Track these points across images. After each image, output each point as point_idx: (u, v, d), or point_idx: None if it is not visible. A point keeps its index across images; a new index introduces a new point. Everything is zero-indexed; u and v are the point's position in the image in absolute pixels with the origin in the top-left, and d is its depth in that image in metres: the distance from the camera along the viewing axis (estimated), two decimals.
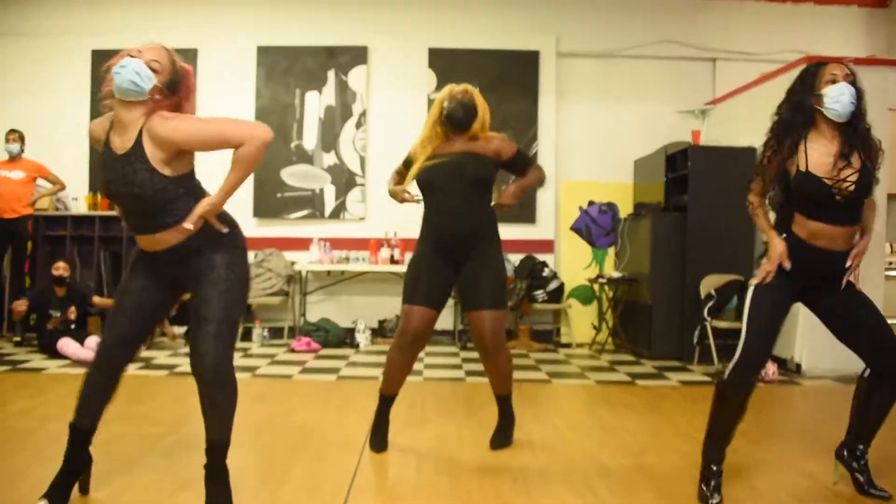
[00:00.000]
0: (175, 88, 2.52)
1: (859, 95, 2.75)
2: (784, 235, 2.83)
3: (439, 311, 3.42)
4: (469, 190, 3.34)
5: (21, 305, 6.28)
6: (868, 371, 2.88)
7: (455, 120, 3.37)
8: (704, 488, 2.82)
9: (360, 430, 3.74)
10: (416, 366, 5.96)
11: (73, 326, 6.22)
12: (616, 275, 7.06)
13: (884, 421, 2.90)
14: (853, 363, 2.99)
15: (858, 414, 2.93)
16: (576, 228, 7.81)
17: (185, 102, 2.59)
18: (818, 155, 2.75)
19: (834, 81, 2.75)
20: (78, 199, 7.73)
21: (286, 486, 2.95)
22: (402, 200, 3.54)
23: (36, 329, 6.36)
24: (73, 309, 6.23)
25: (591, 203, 7.82)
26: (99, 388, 2.67)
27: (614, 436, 3.82)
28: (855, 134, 2.76)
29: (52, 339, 6.07)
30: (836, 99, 2.72)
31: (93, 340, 5.92)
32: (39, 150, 7.19)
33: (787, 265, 2.77)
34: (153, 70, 2.44)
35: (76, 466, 2.66)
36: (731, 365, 2.81)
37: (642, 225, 6.87)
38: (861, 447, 2.94)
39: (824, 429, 3.85)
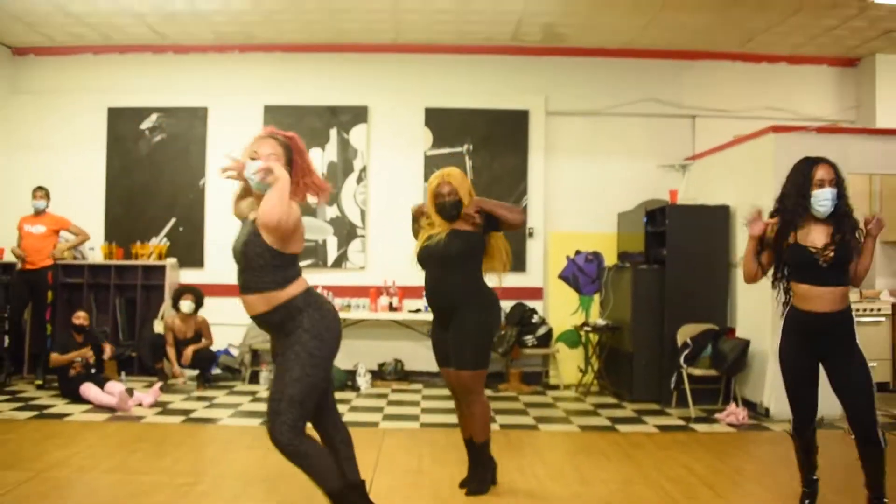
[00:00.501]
0: (292, 164, 3.07)
1: (840, 191, 3.51)
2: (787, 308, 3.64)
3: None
4: (449, 266, 3.93)
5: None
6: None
7: (445, 216, 3.97)
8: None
9: (366, 475, 4.20)
10: (413, 410, 6.44)
11: (93, 371, 6.67)
12: (601, 323, 7.54)
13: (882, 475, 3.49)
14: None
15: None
16: (563, 277, 8.30)
17: (304, 170, 3.12)
18: (805, 234, 3.53)
19: (821, 185, 3.48)
20: (94, 248, 8.20)
21: None
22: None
23: (59, 374, 6.79)
24: (90, 352, 6.70)
25: (577, 252, 8.31)
26: None
27: (590, 487, 4.28)
28: (836, 218, 3.51)
29: (74, 384, 6.51)
30: (820, 202, 3.49)
31: (113, 386, 6.34)
32: (58, 203, 7.66)
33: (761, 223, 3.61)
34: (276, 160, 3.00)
35: None
36: (791, 427, 3.76)
37: (624, 277, 7.36)
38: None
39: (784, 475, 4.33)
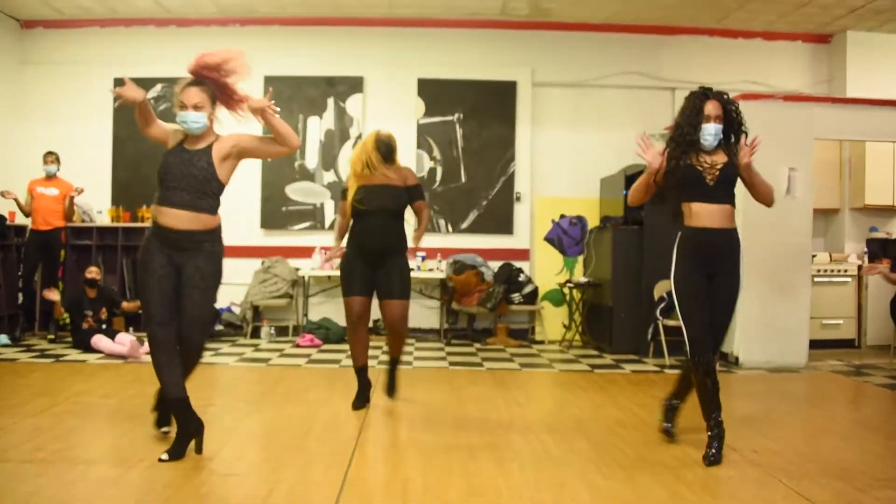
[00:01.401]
0: (216, 99, 3.60)
1: (729, 121, 3.70)
2: (680, 231, 3.84)
3: (370, 297, 4.60)
4: (386, 216, 4.51)
5: (54, 295, 7.21)
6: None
7: (383, 153, 4.61)
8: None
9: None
10: (406, 357, 6.90)
11: (104, 326, 7.10)
12: (583, 280, 8.01)
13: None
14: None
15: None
16: (549, 239, 8.76)
17: (231, 93, 3.66)
18: (694, 159, 3.72)
19: (708, 120, 3.68)
20: (102, 212, 8.61)
21: (310, 437, 3.88)
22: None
23: (71, 326, 7.21)
24: (104, 310, 7.11)
25: (562, 216, 8.78)
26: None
27: (564, 409, 4.77)
28: (726, 150, 3.74)
29: (86, 336, 6.92)
30: (705, 136, 3.69)
31: (123, 337, 6.75)
32: (67, 168, 8.04)
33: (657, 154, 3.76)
34: (200, 108, 3.51)
35: (190, 429, 3.46)
36: (687, 351, 3.71)
37: (605, 237, 7.81)
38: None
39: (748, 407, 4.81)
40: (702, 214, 3.71)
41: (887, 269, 6.44)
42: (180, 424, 3.46)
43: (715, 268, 3.71)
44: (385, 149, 4.59)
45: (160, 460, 3.32)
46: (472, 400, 5.01)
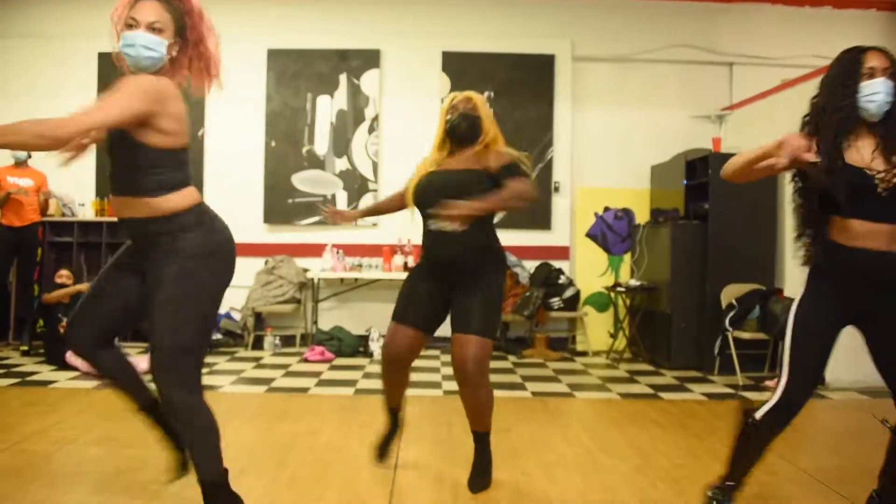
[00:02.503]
0: (185, 33, 2.43)
1: None
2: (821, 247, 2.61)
3: (428, 335, 3.21)
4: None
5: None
6: None
7: (459, 133, 3.18)
8: None
9: (392, 448, 3.63)
10: (434, 377, 5.86)
11: None
12: (634, 283, 6.96)
13: None
14: (878, 375, 2.78)
15: (886, 463, 2.74)
16: (591, 235, 7.71)
17: (204, 40, 2.49)
18: (854, 150, 2.56)
19: (872, 76, 2.53)
20: (85, 204, 7.62)
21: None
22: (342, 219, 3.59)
23: (45, 337, 6.26)
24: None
25: (606, 209, 7.73)
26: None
27: (650, 459, 3.71)
28: (889, 127, 2.55)
29: (61, 349, 5.95)
30: (869, 98, 2.52)
31: None
32: (45, 155, 7.05)
33: (811, 154, 2.48)
34: (160, 31, 2.35)
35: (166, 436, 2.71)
36: (767, 406, 2.62)
37: (661, 233, 6.77)
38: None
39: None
40: (863, 235, 2.54)
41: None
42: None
43: (872, 305, 2.59)
44: (467, 125, 3.18)
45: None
46: (530, 446, 3.94)
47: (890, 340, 2.59)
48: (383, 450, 3.47)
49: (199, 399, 2.37)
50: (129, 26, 2.33)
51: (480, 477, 3.22)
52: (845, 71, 2.59)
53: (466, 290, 3.09)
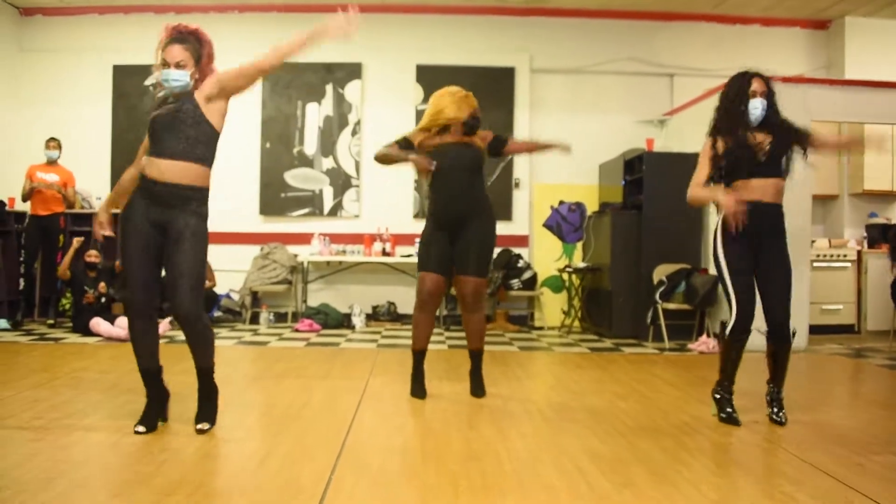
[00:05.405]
0: (201, 60, 3.37)
1: (771, 102, 3.75)
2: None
3: (448, 275, 4.23)
4: (468, 174, 4.17)
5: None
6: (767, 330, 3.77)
7: (474, 129, 4.28)
8: (728, 409, 3.73)
9: (362, 378, 4.67)
10: (406, 341, 6.88)
11: (103, 301, 7.08)
12: (582, 265, 8.00)
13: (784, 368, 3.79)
14: None
15: (767, 363, 3.84)
16: (547, 225, 8.76)
17: (211, 61, 3.45)
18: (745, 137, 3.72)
19: (753, 96, 3.72)
20: (101, 198, 8.58)
21: (308, 407, 3.88)
22: (419, 165, 4.18)
23: (72, 306, 7.25)
24: (103, 284, 7.11)
25: (561, 203, 8.77)
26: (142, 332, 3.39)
27: (562, 384, 4.76)
28: (769, 123, 3.74)
29: (86, 318, 6.92)
30: (751, 111, 3.72)
31: (123, 320, 6.74)
32: (66, 155, 8.02)
33: (741, 210, 3.57)
34: (183, 66, 3.30)
35: (157, 399, 3.44)
36: (730, 324, 3.69)
37: (604, 221, 7.80)
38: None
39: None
40: (754, 189, 3.69)
41: None
42: (150, 392, 3.42)
43: (761, 244, 3.72)
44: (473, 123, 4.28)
45: (136, 432, 3.27)
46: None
47: (769, 269, 3.72)
48: (420, 391, 4.28)
49: (204, 313, 3.38)
50: (164, 65, 3.30)
51: (479, 388, 4.32)
52: (740, 90, 3.79)
53: (465, 238, 4.14)
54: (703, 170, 3.79)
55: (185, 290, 3.23)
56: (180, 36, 3.36)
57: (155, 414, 3.41)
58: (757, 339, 3.76)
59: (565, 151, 4.53)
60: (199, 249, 3.29)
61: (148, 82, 3.47)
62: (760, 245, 3.72)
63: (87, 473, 2.76)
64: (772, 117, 3.76)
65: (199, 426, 3.35)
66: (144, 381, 3.44)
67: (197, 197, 3.31)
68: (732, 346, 3.75)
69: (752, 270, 3.73)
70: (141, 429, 3.29)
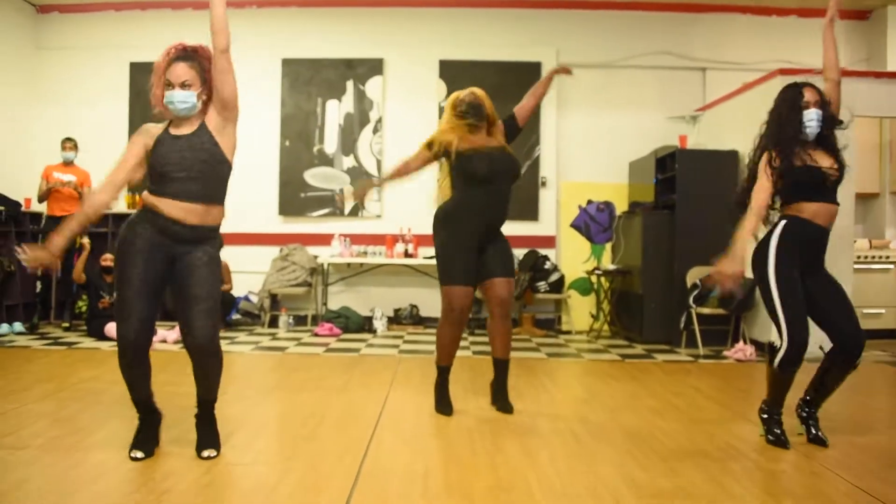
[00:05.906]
0: (206, 77, 3.06)
1: (826, 113, 3.48)
2: (784, 220, 3.47)
3: (476, 287, 3.97)
4: (509, 184, 3.99)
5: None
6: (832, 348, 3.46)
7: (469, 115, 3.99)
8: (777, 431, 3.45)
9: (382, 390, 4.42)
10: (429, 347, 6.64)
11: None
12: (611, 267, 7.71)
13: (836, 389, 3.50)
14: (825, 345, 3.47)
15: (815, 380, 3.53)
16: (575, 225, 8.47)
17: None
18: (805, 157, 3.45)
19: (807, 107, 3.46)
20: (118, 199, 8.42)
21: (324, 426, 3.64)
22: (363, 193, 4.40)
23: (87, 310, 7.09)
24: None
25: (589, 202, 8.48)
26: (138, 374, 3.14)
27: (595, 397, 4.48)
28: (828, 144, 3.50)
29: (100, 323, 6.76)
30: (806, 124, 3.45)
31: None
32: (82, 154, 7.86)
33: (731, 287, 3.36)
34: (189, 86, 3.03)
35: (151, 423, 3.21)
36: (780, 355, 3.36)
37: (635, 222, 7.51)
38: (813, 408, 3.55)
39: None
40: (820, 214, 3.46)
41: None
42: (143, 417, 3.18)
43: (811, 265, 3.49)
44: (474, 112, 4.00)
45: (133, 458, 3.03)
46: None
47: (821, 288, 3.45)
48: (446, 407, 4.00)
49: (219, 343, 3.14)
50: (168, 86, 3.02)
51: (506, 403, 4.02)
52: (793, 102, 3.52)
53: (494, 244, 3.96)
54: (762, 193, 3.48)
55: (202, 317, 3.01)
56: (184, 53, 3.08)
57: (151, 437, 3.18)
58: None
59: (566, 72, 4.51)
60: (216, 275, 3.12)
61: (155, 111, 3.13)
62: (808, 269, 3.47)
63: None
64: (830, 136, 3.51)
65: (206, 453, 3.11)
66: (137, 409, 3.21)
67: (216, 234, 3.18)
68: (782, 378, 3.44)
69: (803, 298, 3.39)
70: (139, 454, 3.06)
